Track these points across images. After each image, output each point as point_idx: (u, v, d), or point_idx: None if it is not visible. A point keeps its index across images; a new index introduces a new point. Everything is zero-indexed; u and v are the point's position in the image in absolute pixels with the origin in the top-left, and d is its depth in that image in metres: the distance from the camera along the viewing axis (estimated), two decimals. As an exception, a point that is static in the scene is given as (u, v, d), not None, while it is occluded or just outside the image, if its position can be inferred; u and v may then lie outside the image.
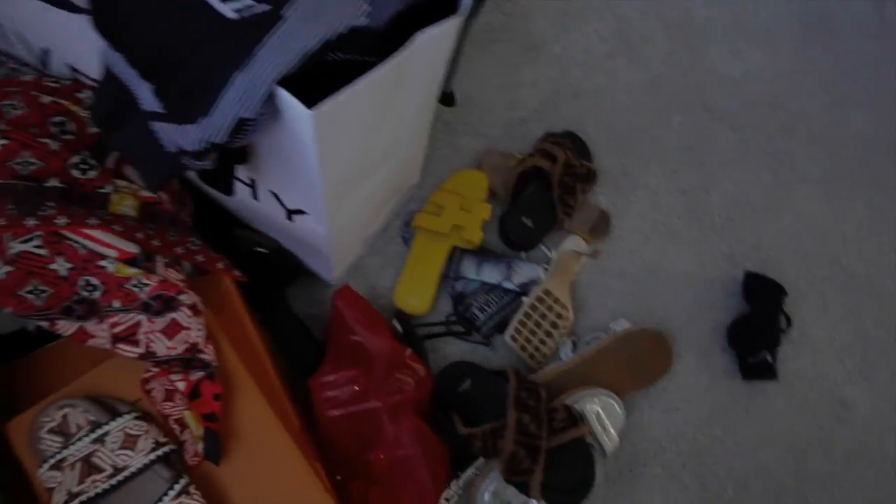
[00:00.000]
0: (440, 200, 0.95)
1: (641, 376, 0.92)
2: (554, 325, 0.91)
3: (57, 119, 0.60)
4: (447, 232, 0.92)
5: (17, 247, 0.56)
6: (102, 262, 0.58)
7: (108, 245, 0.59)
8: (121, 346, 0.58)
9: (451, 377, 0.85)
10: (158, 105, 0.43)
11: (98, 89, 0.47)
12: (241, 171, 0.62)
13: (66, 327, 0.57)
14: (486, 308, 0.93)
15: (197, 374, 0.59)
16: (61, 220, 0.57)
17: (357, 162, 0.56)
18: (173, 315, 0.60)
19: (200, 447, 0.59)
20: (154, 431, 0.58)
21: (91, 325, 0.58)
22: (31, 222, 0.56)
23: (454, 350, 0.93)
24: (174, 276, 0.62)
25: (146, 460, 0.56)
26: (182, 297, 0.61)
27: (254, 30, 0.39)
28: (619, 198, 1.06)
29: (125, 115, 0.47)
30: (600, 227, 1.02)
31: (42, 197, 0.56)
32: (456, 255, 0.94)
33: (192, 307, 0.61)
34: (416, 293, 0.91)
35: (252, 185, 0.64)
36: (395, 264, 0.96)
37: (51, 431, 0.56)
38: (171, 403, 0.61)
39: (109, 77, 0.45)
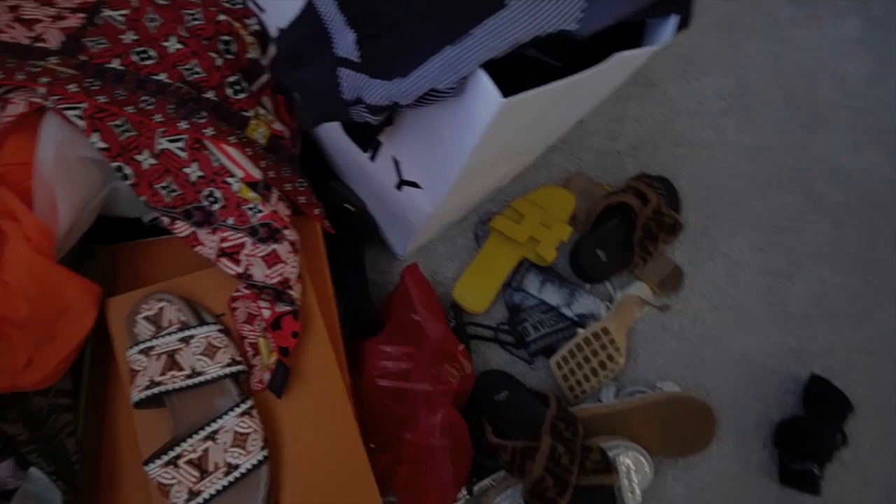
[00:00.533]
0: (522, 209, 1.06)
1: (676, 444, 1.01)
2: (602, 365, 1.01)
3: (225, 37, 0.71)
4: (522, 241, 1.03)
5: (164, 144, 0.67)
6: (229, 179, 0.69)
7: (239, 165, 0.70)
8: (224, 260, 0.69)
9: (490, 384, 0.95)
10: (355, 54, 0.53)
11: (294, 22, 0.58)
12: (373, 132, 0.73)
13: (182, 228, 0.68)
14: (539, 327, 1.03)
15: (283, 308, 0.70)
16: (208, 131, 0.68)
17: (500, 154, 0.66)
18: (275, 246, 0.71)
19: (266, 376, 0.69)
20: (232, 348, 0.69)
21: (203, 233, 0.69)
22: (183, 125, 0.67)
23: (494, 358, 1.03)
24: (283, 210, 0.73)
25: (221, 372, 0.67)
26: (286, 232, 0.71)
27: (476, 10, 0.49)
28: (697, 258, 1.16)
29: (312, 54, 0.57)
30: (671, 281, 1.12)
31: (199, 105, 0.67)
32: (524, 266, 1.05)
33: (293, 244, 0.72)
34: (476, 292, 1.02)
35: (375, 147, 0.75)
36: (460, 257, 1.06)
37: (146, 319, 0.67)
38: (250, 327, 0.71)
39: (310, 14, 0.56)
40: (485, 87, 0.51)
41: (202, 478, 0.63)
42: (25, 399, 0.65)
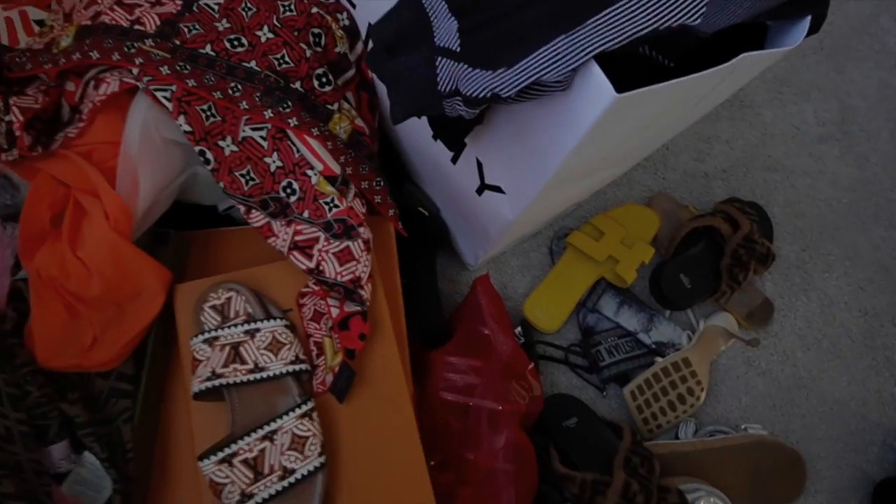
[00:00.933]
0: (602, 226, 0.97)
1: (761, 494, 0.89)
2: (681, 399, 0.90)
3: (316, 30, 0.68)
4: (601, 260, 0.94)
5: (247, 132, 0.63)
6: (308, 172, 0.65)
7: (319, 158, 0.65)
8: (296, 253, 0.65)
9: (559, 408, 0.86)
10: (457, 44, 0.48)
11: (392, 10, 0.54)
12: (457, 131, 0.67)
13: (257, 218, 0.64)
14: (614, 352, 0.94)
15: (352, 307, 0.65)
16: (292, 121, 0.64)
17: (598, 160, 0.59)
18: (349, 243, 0.66)
19: (329, 378, 0.64)
20: (297, 346, 0.64)
21: (277, 225, 0.65)
22: (268, 114, 0.63)
23: (563, 381, 0.94)
24: (359, 207, 0.68)
25: (284, 370, 0.62)
26: (360, 230, 0.66)
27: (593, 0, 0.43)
28: (790, 292, 1.04)
29: (410, 44, 0.52)
30: (760, 315, 1.00)
31: (286, 94, 0.64)
32: (601, 286, 0.96)
33: (367, 242, 0.67)
34: (548, 309, 0.94)
35: (459, 148, 0.69)
36: (533, 272, 0.99)
37: (213, 308, 0.63)
38: (316, 325, 0.66)
39: (411, 1, 0.51)
40: (597, 80, 0.44)
41: (256, 480, 0.58)
42: (88, 380, 0.62)
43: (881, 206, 1.13)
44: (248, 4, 0.66)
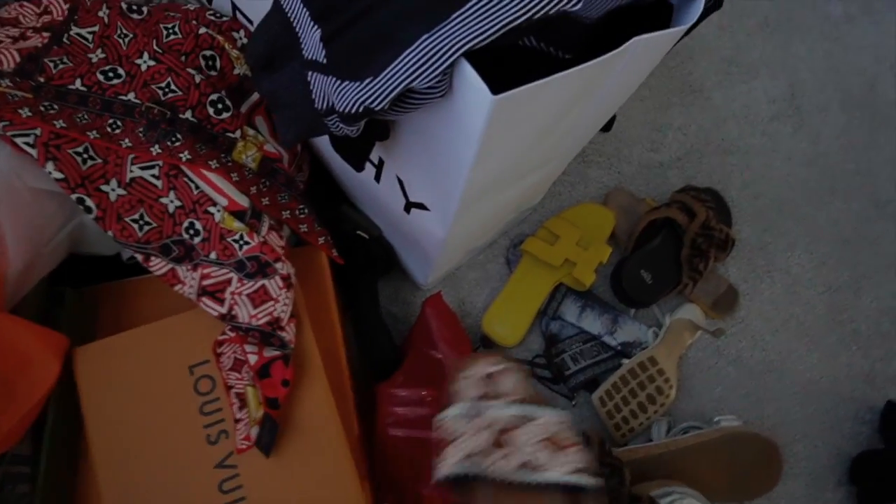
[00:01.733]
0: (557, 229, 0.87)
1: (738, 487, 0.79)
2: (651, 399, 0.81)
3: (208, 52, 0.57)
4: (557, 265, 0.84)
5: (136, 172, 0.53)
6: (211, 209, 0.55)
7: (221, 192, 0.55)
8: (205, 300, 0.54)
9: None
10: (322, 54, 0.38)
11: (261, 24, 0.44)
12: (373, 149, 0.57)
13: (159, 266, 0.54)
14: (579, 359, 0.84)
15: (272, 353, 0.55)
16: (185, 156, 0.54)
17: (510, 166, 0.49)
18: (264, 282, 0.56)
19: (254, 432, 0.54)
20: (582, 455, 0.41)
21: (182, 270, 0.55)
22: (155, 150, 0.53)
23: (530, 394, 0.84)
24: (275, 241, 0.58)
25: (561, 479, 0.38)
26: (278, 266, 0.56)
27: None
28: (753, 276, 0.94)
29: (282, 59, 0.42)
30: (725, 302, 0.90)
31: (174, 127, 0.53)
32: (560, 292, 0.86)
33: (286, 279, 0.57)
34: (508, 322, 0.84)
35: (378, 166, 0.59)
36: (491, 284, 0.89)
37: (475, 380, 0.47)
38: (237, 374, 0.56)
39: (277, 12, 0.41)
40: (470, 82, 0.35)
41: None
42: (-24, 468, 0.52)
43: (837, 178, 1.03)
44: (124, 31, 0.55)
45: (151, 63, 0.55)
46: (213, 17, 0.60)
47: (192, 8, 0.61)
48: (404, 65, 0.34)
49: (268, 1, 0.55)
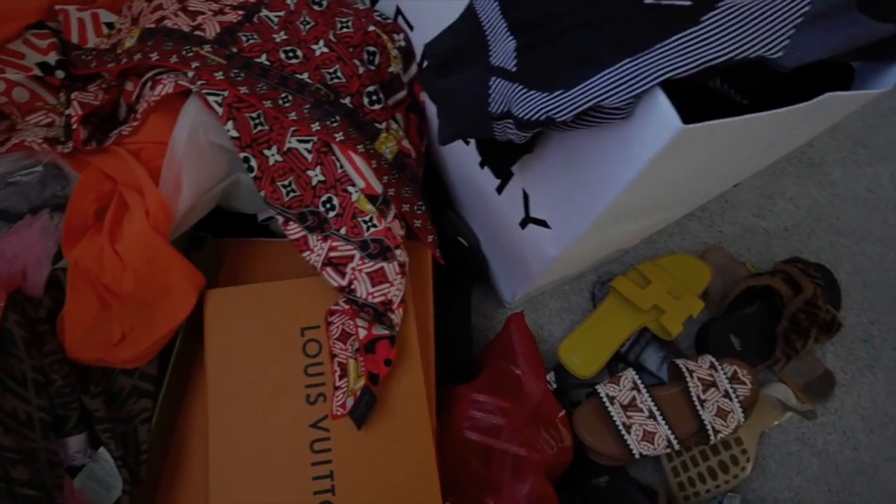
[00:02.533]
0: (649, 273, 0.91)
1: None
2: (723, 467, 0.82)
3: (371, 48, 0.67)
4: (645, 308, 0.88)
5: (293, 143, 0.62)
6: (350, 188, 0.63)
7: (361, 174, 0.63)
8: (329, 269, 0.62)
9: (590, 463, 0.79)
10: (513, 63, 0.45)
11: (450, 27, 0.51)
12: (504, 161, 0.64)
13: (294, 230, 0.62)
14: (653, 409, 0.86)
15: (381, 331, 0.61)
16: (338, 136, 0.62)
17: (654, 199, 0.55)
18: (383, 264, 0.63)
19: (350, 401, 0.60)
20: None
21: (313, 239, 0.63)
22: (315, 126, 0.62)
23: (595, 435, 0.87)
24: (397, 229, 0.66)
25: None
26: (397, 252, 0.63)
27: (664, 23, 0.39)
28: (853, 367, 0.94)
29: (463, 62, 0.50)
30: (819, 388, 0.91)
31: (334, 109, 0.62)
32: (643, 337, 0.89)
33: (402, 266, 0.64)
34: (585, 354, 0.88)
35: (505, 178, 0.66)
36: (572, 316, 0.93)
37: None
38: (342, 345, 0.63)
39: (470, 18, 0.49)
40: (662, 108, 0.40)
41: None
42: (111, 376, 0.60)
43: (962, 281, 1.02)
44: (307, 18, 0.66)
45: (325, 50, 0.64)
46: (379, 18, 0.69)
47: (363, 8, 0.70)
48: (601, 83, 0.41)
49: (433, 8, 0.63)
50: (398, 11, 0.71)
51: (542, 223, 0.64)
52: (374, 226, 0.63)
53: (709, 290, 0.94)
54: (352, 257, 0.63)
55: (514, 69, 0.45)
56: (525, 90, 0.44)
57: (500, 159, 0.55)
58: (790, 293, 0.90)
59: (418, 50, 0.72)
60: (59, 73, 0.67)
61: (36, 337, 0.59)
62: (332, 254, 0.62)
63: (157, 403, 0.59)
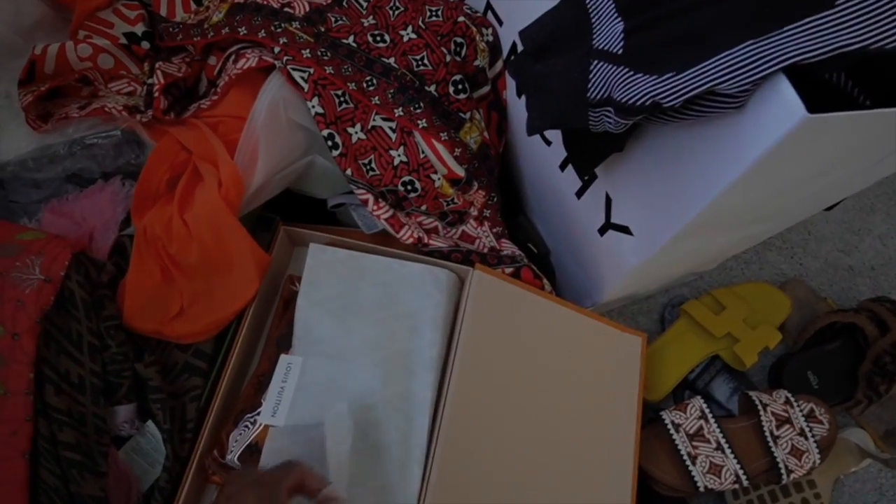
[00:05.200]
0: (725, 300, 0.86)
1: None
2: (794, 514, 0.76)
3: (459, 39, 0.65)
4: (718, 336, 0.83)
5: (377, 121, 0.60)
6: (433, 176, 0.61)
7: (444, 162, 0.61)
8: (433, 237, 0.62)
9: (650, 493, 0.74)
10: (620, 45, 0.43)
11: (551, 11, 0.49)
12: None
13: (384, 209, 0.62)
14: (719, 444, 0.80)
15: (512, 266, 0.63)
16: (422, 123, 0.60)
17: (751, 206, 0.51)
18: (463, 227, 0.66)
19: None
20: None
21: (402, 216, 0.62)
22: (399, 112, 0.60)
23: (653, 467, 0.81)
24: (480, 199, 0.65)
25: None
26: (470, 210, 0.64)
27: (794, 4, 0.36)
28: (942, 418, 0.86)
29: (562, 46, 0.47)
30: (901, 437, 0.83)
31: (419, 95, 0.61)
32: (714, 366, 0.84)
33: (476, 218, 0.65)
34: (651, 378, 0.83)
35: (587, 181, 0.63)
36: (637, 338, 0.88)
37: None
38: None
39: (571, 3, 0.47)
40: (784, 95, 0.37)
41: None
42: (166, 348, 0.59)
43: None
44: (397, 4, 0.64)
45: (413, 36, 0.63)
46: (468, 11, 0.68)
47: (453, 0, 0.69)
48: (718, 66, 0.37)
49: (524, 4, 0.61)
50: (488, 6, 0.69)
51: (624, 230, 0.61)
52: (455, 202, 0.63)
53: (786, 323, 0.88)
54: (436, 228, 0.63)
55: (621, 51, 0.42)
56: (631, 73, 0.41)
57: (588, 156, 0.52)
58: (876, 333, 0.83)
59: (506, 46, 0.69)
60: (145, 44, 0.67)
61: (96, 300, 0.58)
62: (424, 226, 0.63)
63: (208, 382, 0.58)
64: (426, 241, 0.61)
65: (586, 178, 0.62)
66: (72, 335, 0.55)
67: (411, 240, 0.60)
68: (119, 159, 0.66)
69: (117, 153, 0.65)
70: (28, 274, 0.54)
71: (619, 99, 0.42)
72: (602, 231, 0.64)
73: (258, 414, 0.55)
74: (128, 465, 0.56)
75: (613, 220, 0.62)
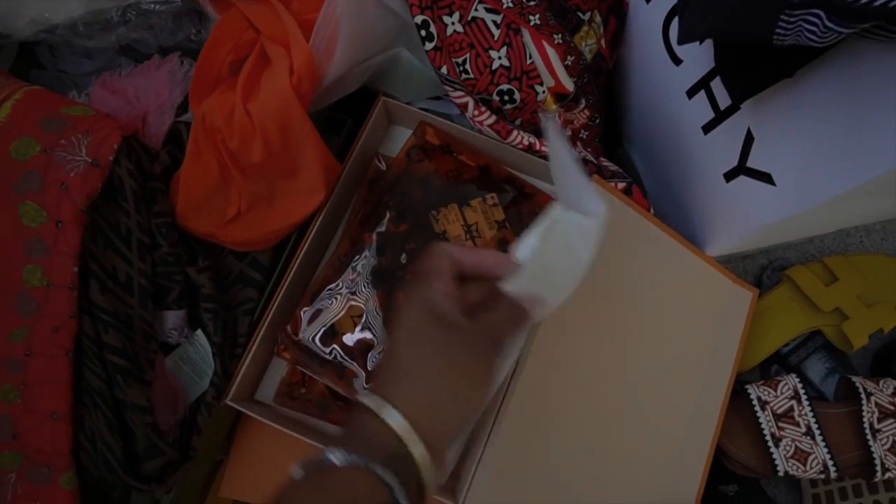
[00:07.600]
0: (838, 270, 0.75)
1: None
2: (882, 514, 0.68)
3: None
4: (826, 309, 0.72)
5: (480, 12, 0.49)
6: (537, 87, 0.51)
7: (552, 71, 0.51)
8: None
9: (720, 468, 0.68)
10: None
11: None
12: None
13: (486, 115, 0.52)
14: (806, 427, 0.72)
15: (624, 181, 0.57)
16: (534, 19, 0.49)
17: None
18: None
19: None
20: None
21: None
22: (507, 3, 0.49)
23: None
24: (581, 119, 0.55)
25: None
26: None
27: None
28: None
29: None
30: None
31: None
32: (813, 342, 0.74)
33: (570, 138, 0.58)
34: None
35: (722, 113, 0.51)
36: (726, 299, 0.79)
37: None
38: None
39: None
40: None
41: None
42: (220, 254, 0.53)
43: None
44: None
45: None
46: None
47: None
48: None
49: None
50: None
51: (765, 177, 0.50)
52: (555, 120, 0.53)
53: (909, 304, 0.77)
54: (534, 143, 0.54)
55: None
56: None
57: (751, 78, 0.41)
58: None
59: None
60: None
61: (147, 193, 0.51)
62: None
63: (262, 296, 0.52)
64: (537, 146, 0.52)
65: (726, 107, 0.50)
66: (120, 230, 0.49)
67: (521, 145, 0.51)
68: (178, 33, 0.57)
69: (176, 25, 0.57)
70: (73, 154, 0.47)
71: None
72: (730, 175, 0.53)
73: (337, 286, 0.51)
74: (174, 375, 0.52)
75: (751, 164, 0.51)
